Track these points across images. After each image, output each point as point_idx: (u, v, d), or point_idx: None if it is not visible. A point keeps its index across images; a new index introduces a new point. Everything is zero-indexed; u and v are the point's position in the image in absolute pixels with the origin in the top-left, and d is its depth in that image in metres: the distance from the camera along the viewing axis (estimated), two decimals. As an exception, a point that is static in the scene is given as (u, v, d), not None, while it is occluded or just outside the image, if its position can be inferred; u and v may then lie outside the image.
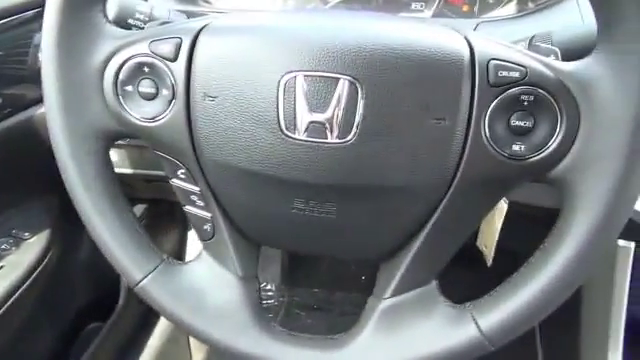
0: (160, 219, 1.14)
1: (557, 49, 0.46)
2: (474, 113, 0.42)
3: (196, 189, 0.49)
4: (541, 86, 0.41)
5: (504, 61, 0.41)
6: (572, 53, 0.50)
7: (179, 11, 0.74)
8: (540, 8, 0.69)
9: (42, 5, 0.80)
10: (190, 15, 0.74)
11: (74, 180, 0.48)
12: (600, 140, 0.40)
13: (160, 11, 0.58)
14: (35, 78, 0.83)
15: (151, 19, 0.57)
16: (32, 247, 0.77)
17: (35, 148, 0.74)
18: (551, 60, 0.42)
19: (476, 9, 0.85)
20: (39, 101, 0.78)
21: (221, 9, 0.80)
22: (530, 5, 0.83)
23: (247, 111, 0.44)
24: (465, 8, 0.86)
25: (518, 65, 0.41)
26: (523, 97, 0.41)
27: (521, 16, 0.70)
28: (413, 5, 0.85)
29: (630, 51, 0.38)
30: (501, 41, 0.44)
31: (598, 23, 0.40)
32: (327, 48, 0.42)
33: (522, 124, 0.42)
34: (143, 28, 0.57)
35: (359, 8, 0.87)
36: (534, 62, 0.41)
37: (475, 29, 0.69)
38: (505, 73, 0.41)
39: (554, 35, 0.52)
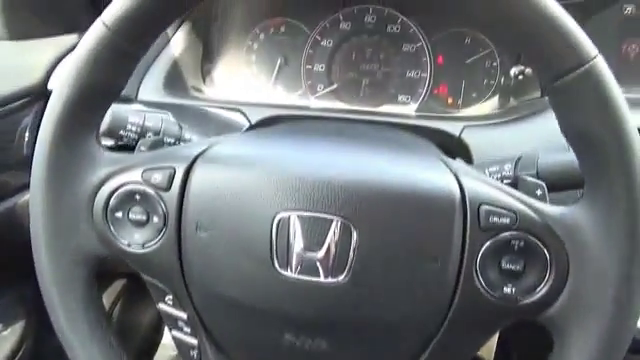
0: (139, 294, 1.11)
1: (543, 184, 0.48)
2: (466, 255, 0.42)
3: (183, 316, 0.48)
4: (531, 232, 0.42)
5: (495, 206, 0.42)
6: (558, 183, 0.52)
7: (171, 105, 0.75)
8: (524, 115, 0.71)
9: (28, 95, 0.81)
10: (182, 111, 0.74)
11: (56, 308, 0.47)
12: (589, 290, 0.41)
13: (153, 120, 0.59)
14: (18, 166, 0.83)
15: (143, 130, 0.57)
16: (6, 341, 0.74)
17: (13, 238, 0.72)
18: (540, 204, 0.43)
19: (460, 102, 0.88)
20: (20, 189, 0.77)
21: (213, 100, 0.81)
22: (512, 102, 0.86)
23: (240, 246, 0.44)
24: (450, 101, 0.89)
25: (508, 211, 0.42)
26: (513, 242, 0.42)
27: (505, 122, 0.72)
28: (399, 97, 0.87)
29: (616, 205, 0.39)
30: (490, 181, 0.45)
31: (584, 175, 0.42)
32: (321, 189, 0.42)
33: (512, 268, 0.42)
34: (135, 139, 0.57)
35: (347, 99, 0.89)
36: (523, 207, 0.42)
37: (461, 133, 0.71)
38: (496, 219, 0.42)
39: (540, 161, 0.53)
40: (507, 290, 0.42)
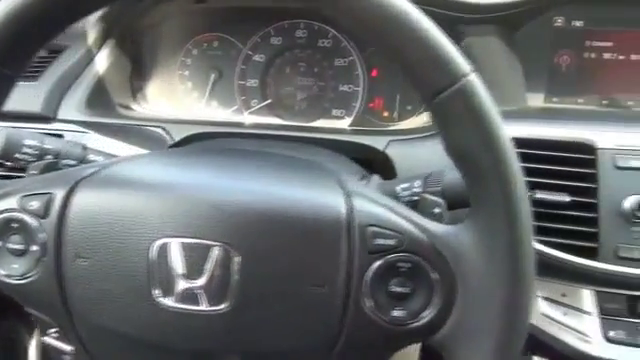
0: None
1: (442, 202, 0.47)
2: (354, 279, 0.41)
3: (69, 349, 0.46)
4: (417, 253, 0.40)
5: (382, 227, 0.41)
6: (459, 201, 0.51)
7: (94, 123, 0.73)
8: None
9: None
10: (105, 130, 0.72)
11: None
12: (476, 311, 0.39)
13: (52, 142, 0.56)
14: None
15: (42, 152, 0.55)
16: None
17: None
18: (431, 224, 0.42)
19: (395, 115, 0.88)
20: None
21: (140, 118, 0.79)
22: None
23: (120, 274, 0.42)
24: (385, 114, 0.88)
25: (395, 232, 0.41)
26: (401, 264, 0.41)
27: (431, 136, 0.71)
28: (334, 112, 0.86)
29: (495, 225, 0.38)
30: (384, 201, 0.44)
31: (470, 196, 0.41)
32: (203, 214, 0.41)
33: (401, 290, 0.41)
34: (34, 162, 0.54)
35: (282, 114, 0.87)
36: (412, 227, 0.41)
37: (385, 148, 0.70)
38: (382, 241, 0.40)
39: (446, 178, 0.53)
40: (396, 313, 0.41)
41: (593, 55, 0.86)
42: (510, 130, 0.66)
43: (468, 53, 0.77)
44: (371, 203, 0.42)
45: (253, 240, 0.40)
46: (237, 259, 0.40)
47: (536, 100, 0.86)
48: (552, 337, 0.65)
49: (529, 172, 0.63)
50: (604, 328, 0.63)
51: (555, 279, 0.64)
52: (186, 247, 0.40)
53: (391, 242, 0.40)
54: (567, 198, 0.61)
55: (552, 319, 0.65)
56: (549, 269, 0.63)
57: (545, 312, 0.65)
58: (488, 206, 0.38)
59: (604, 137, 0.62)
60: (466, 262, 0.39)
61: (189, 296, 0.40)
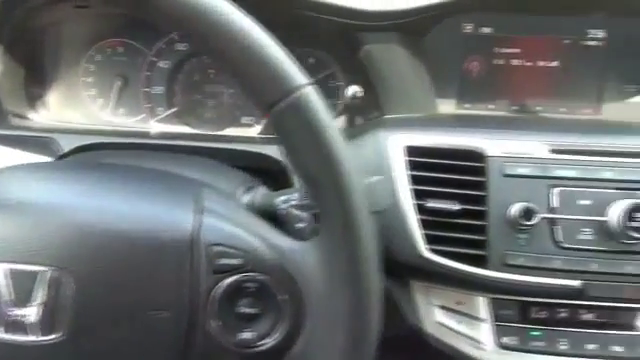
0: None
1: (306, 215, 0.46)
2: (199, 301, 0.39)
3: None
4: (263, 272, 0.39)
5: (227, 246, 0.39)
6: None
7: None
8: (350, 137, 0.70)
9: None
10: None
11: None
12: (322, 334, 0.38)
13: None
14: None
15: None
16: None
17: None
18: (281, 240, 0.41)
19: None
20: None
21: (35, 126, 0.76)
22: (358, 120, 0.85)
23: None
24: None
25: (240, 250, 0.39)
26: (247, 284, 0.39)
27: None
28: (243, 119, 0.84)
29: (337, 243, 0.37)
30: (238, 218, 0.42)
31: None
32: (36, 236, 0.38)
33: (249, 311, 0.40)
34: None
35: (191, 122, 0.85)
36: (259, 245, 0.40)
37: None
38: (227, 260, 0.39)
39: None
40: (245, 335, 0.40)
41: (502, 61, 0.87)
42: (401, 139, 0.68)
43: (368, 61, 0.78)
44: (221, 220, 0.41)
45: (89, 263, 0.38)
46: (71, 284, 0.38)
47: (448, 106, 0.87)
48: (447, 345, 0.65)
49: (421, 180, 0.63)
50: (498, 335, 0.63)
51: (449, 287, 0.64)
52: (14, 273, 0.38)
53: (236, 261, 0.39)
54: (457, 206, 0.61)
55: (447, 327, 0.65)
56: (442, 278, 0.63)
57: (440, 321, 0.65)
58: (329, 223, 0.37)
59: (493, 145, 0.63)
60: (311, 281, 0.38)
61: (17, 325, 0.38)
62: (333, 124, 0.37)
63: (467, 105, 0.87)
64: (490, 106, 0.88)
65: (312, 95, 0.37)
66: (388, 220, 0.62)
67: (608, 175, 0.61)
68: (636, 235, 0.57)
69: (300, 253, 0.39)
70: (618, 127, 0.77)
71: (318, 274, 0.38)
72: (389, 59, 0.75)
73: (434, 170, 0.63)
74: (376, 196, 0.47)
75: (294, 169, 0.38)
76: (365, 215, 0.37)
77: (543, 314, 0.64)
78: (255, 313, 0.39)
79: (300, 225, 0.44)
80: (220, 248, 0.39)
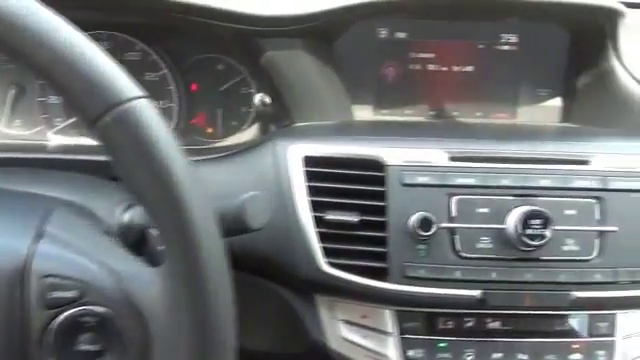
0: None
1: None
2: (32, 339, 0.35)
3: None
4: (104, 305, 0.36)
5: (60, 277, 0.36)
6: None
7: None
8: (249, 147, 0.67)
9: None
10: None
11: None
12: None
13: None
14: None
15: None
16: None
17: None
18: (130, 267, 0.37)
19: (219, 132, 0.83)
20: None
21: None
22: (272, 127, 0.83)
23: None
24: (209, 130, 0.83)
25: (76, 281, 0.36)
26: (87, 319, 0.36)
27: (230, 155, 0.67)
28: (149, 130, 0.80)
29: (178, 274, 0.34)
30: (84, 241, 0.38)
31: None
32: None
33: (90, 348, 0.36)
34: None
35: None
36: (100, 273, 0.36)
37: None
38: (60, 293, 0.35)
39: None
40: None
41: (418, 66, 0.86)
42: (300, 149, 0.65)
43: (272, 68, 0.75)
44: (60, 247, 0.37)
45: None
46: None
47: (365, 113, 0.85)
48: (353, 362, 0.63)
49: (320, 192, 0.61)
50: (403, 348, 0.62)
51: (353, 301, 0.62)
52: None
53: (71, 294, 0.35)
54: (356, 218, 0.59)
55: (352, 343, 0.62)
56: (344, 292, 0.61)
57: (345, 336, 0.63)
58: (169, 247, 0.34)
59: (393, 153, 0.61)
60: (158, 313, 0.35)
61: None
62: (166, 139, 0.34)
63: (384, 111, 0.86)
64: (407, 111, 0.87)
65: (142, 108, 0.33)
66: (287, 234, 0.60)
67: (506, 182, 0.60)
68: (531, 242, 0.57)
69: (147, 281, 0.36)
70: (525, 132, 0.78)
71: (162, 304, 0.35)
72: (294, 66, 0.72)
73: (333, 181, 0.61)
74: (253, 212, 0.44)
75: (127, 189, 0.35)
76: (209, 237, 0.34)
77: (450, 325, 0.62)
78: (98, 350, 0.36)
79: (161, 247, 0.41)
80: (53, 279, 0.35)
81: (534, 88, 0.87)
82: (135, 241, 0.45)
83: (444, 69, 0.86)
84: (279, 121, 0.79)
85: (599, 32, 0.77)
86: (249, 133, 0.82)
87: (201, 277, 0.33)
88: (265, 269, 0.62)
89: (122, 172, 0.34)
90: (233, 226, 0.44)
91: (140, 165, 0.33)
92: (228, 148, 0.72)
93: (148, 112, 0.33)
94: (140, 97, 0.34)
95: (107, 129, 0.33)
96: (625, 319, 0.63)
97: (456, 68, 0.86)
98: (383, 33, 0.84)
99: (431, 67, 0.86)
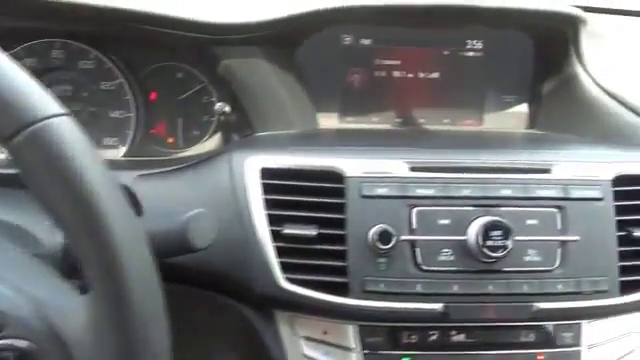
0: None
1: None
2: None
3: None
4: (25, 337, 0.33)
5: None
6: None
7: None
8: (205, 159, 0.65)
9: None
10: None
11: None
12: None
13: None
14: None
15: None
16: None
17: None
18: (54, 293, 0.35)
19: (181, 142, 0.81)
20: None
21: None
22: (234, 137, 0.80)
23: None
24: (170, 140, 0.81)
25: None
26: (5, 353, 0.33)
27: (185, 167, 0.65)
28: (105, 140, 0.77)
29: (100, 303, 0.32)
30: (7, 270, 0.36)
31: None
32: None
33: None
34: None
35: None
36: (21, 302, 0.34)
37: (133, 183, 0.63)
38: None
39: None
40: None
41: (383, 73, 0.85)
42: (257, 161, 0.64)
43: (230, 76, 0.74)
44: None
45: None
46: None
47: (330, 121, 0.84)
48: (314, 379, 0.61)
49: (277, 205, 0.59)
50: (366, 364, 0.60)
51: (314, 316, 0.60)
52: None
53: None
54: (314, 231, 0.57)
55: (313, 360, 0.61)
56: (304, 307, 0.59)
57: (306, 353, 0.61)
58: (91, 273, 0.32)
59: (353, 164, 0.59)
60: (84, 346, 0.33)
61: None
62: (83, 158, 0.32)
63: (350, 119, 0.85)
64: (374, 119, 0.85)
65: (57, 127, 0.31)
66: (244, 249, 0.58)
67: (467, 192, 0.59)
68: (492, 254, 0.56)
69: (72, 308, 0.33)
70: (488, 141, 0.77)
71: (88, 333, 0.32)
72: (254, 74, 0.70)
73: (291, 193, 0.59)
74: (197, 231, 0.42)
75: (43, 208, 0.33)
76: (134, 258, 0.32)
77: (413, 339, 0.61)
78: (19, 386, 0.33)
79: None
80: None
81: (500, 94, 0.86)
82: (71, 265, 0.42)
83: (410, 76, 0.85)
84: (241, 130, 0.77)
85: (562, 38, 0.77)
86: (212, 143, 0.80)
87: (127, 300, 0.31)
88: (222, 285, 0.60)
89: (36, 192, 0.32)
90: (175, 246, 0.42)
91: (56, 185, 0.30)
92: (189, 159, 0.69)
93: (64, 131, 0.31)
94: (57, 115, 0.31)
95: (20, 148, 0.30)
96: (590, 328, 0.63)
97: (422, 75, 0.85)
98: (347, 40, 0.83)
99: (397, 74, 0.85)
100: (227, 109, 0.73)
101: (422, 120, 0.86)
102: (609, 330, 0.64)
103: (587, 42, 0.78)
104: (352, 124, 0.84)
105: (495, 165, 0.61)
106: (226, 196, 0.59)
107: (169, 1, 0.68)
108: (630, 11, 0.90)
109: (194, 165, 0.64)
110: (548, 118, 0.83)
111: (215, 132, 0.80)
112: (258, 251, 0.57)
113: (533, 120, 0.85)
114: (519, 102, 0.86)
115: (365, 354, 0.60)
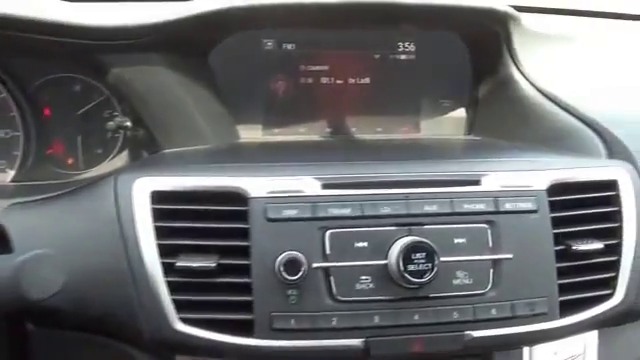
0: None
1: None
2: None
3: None
4: None
5: None
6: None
7: None
8: (89, 183, 0.57)
9: None
10: None
11: None
12: None
13: None
14: None
15: None
16: None
17: None
18: None
19: (81, 162, 0.72)
20: None
21: None
22: (145, 154, 0.72)
23: None
24: (70, 161, 0.72)
25: None
26: None
27: (67, 193, 0.56)
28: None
29: None
30: None
31: None
32: None
33: None
34: None
35: None
36: None
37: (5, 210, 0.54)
38: None
39: None
40: None
41: (310, 80, 0.78)
42: (147, 183, 0.56)
43: (125, 88, 0.65)
44: None
45: None
46: None
47: (253, 133, 0.77)
48: None
49: (172, 233, 0.51)
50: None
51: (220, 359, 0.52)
52: None
53: None
54: (214, 262, 0.50)
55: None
56: (205, 352, 0.51)
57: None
58: None
59: (257, 183, 0.52)
60: None
61: None
62: None
63: (276, 130, 0.78)
64: (301, 130, 0.79)
65: None
66: (130, 286, 0.49)
67: (387, 210, 0.52)
68: (414, 280, 0.49)
69: None
70: (413, 151, 0.71)
71: None
72: (151, 84, 0.62)
73: (186, 219, 0.51)
74: (33, 279, 0.34)
75: None
76: None
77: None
78: None
79: None
80: None
81: (436, 99, 0.81)
82: None
83: (339, 82, 0.78)
84: (151, 147, 0.69)
85: (494, 38, 0.72)
86: (120, 161, 0.72)
87: None
88: (108, 329, 0.51)
89: None
90: (3, 296, 0.34)
91: None
92: (90, 181, 0.61)
93: None
94: None
95: None
96: (532, 354, 0.57)
97: (352, 80, 0.79)
98: (269, 44, 0.76)
99: (324, 80, 0.78)
100: (128, 124, 0.65)
101: (354, 129, 0.80)
102: (553, 355, 0.58)
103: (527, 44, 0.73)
104: (278, 136, 0.77)
105: (418, 178, 0.55)
106: (110, 225, 0.50)
107: (54, 5, 0.60)
108: (565, 10, 0.86)
109: (75, 191, 0.55)
110: (485, 122, 0.78)
111: (122, 150, 0.72)
112: (147, 288, 0.49)
113: (471, 125, 0.80)
114: (456, 107, 0.81)
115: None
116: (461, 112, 0.81)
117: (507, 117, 0.75)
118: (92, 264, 0.50)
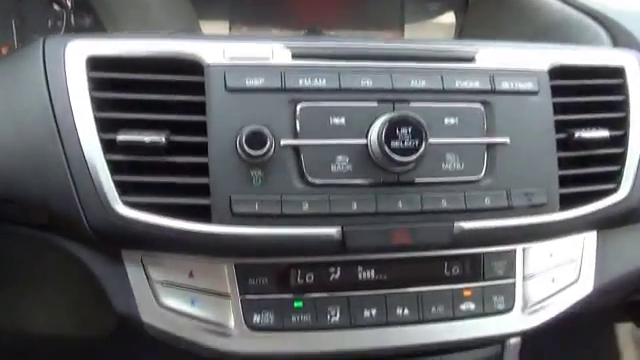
0: None
1: None
2: None
3: None
4: None
5: None
6: None
7: None
8: (15, 51, 0.48)
9: None
10: None
11: None
12: None
13: None
14: None
15: None
16: None
17: None
18: None
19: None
20: None
21: None
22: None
23: None
24: (3, 49, 0.63)
25: None
26: None
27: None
28: None
29: None
30: None
31: None
32: None
33: None
34: None
35: None
36: None
37: None
38: None
39: None
40: None
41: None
42: (84, 47, 0.47)
43: None
44: None
45: None
46: None
47: (219, 31, 0.68)
48: (175, 337, 0.46)
49: (114, 105, 0.43)
50: (246, 313, 0.46)
51: (172, 254, 0.45)
52: None
53: None
54: (163, 138, 0.42)
55: (175, 312, 0.46)
56: (156, 242, 0.44)
57: (164, 302, 0.46)
58: None
59: (216, 49, 0.44)
60: None
61: None
62: None
63: (244, 29, 0.69)
64: (273, 31, 0.71)
65: None
66: (62, 167, 0.42)
67: (368, 83, 0.45)
68: (399, 159, 0.42)
69: None
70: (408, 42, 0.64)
71: None
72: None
73: (130, 89, 0.43)
74: None
75: None
76: None
77: (308, 279, 0.47)
78: None
79: None
80: None
81: (423, 2, 0.73)
82: None
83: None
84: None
85: None
86: None
87: None
88: (38, 219, 0.44)
89: None
90: None
91: None
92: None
93: None
94: None
95: None
96: (525, 256, 0.51)
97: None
98: None
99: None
100: (69, 3, 0.56)
101: (332, 33, 0.72)
102: (548, 257, 0.52)
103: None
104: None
105: (404, 52, 0.47)
106: (37, 96, 0.42)
107: None
108: None
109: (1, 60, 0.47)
110: (476, 26, 0.71)
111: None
112: (83, 168, 0.41)
113: (461, 30, 0.73)
114: (444, 10, 0.74)
115: (244, 300, 0.46)
116: (450, 16, 0.74)
117: (499, 17, 0.68)
118: (18, 142, 0.42)
